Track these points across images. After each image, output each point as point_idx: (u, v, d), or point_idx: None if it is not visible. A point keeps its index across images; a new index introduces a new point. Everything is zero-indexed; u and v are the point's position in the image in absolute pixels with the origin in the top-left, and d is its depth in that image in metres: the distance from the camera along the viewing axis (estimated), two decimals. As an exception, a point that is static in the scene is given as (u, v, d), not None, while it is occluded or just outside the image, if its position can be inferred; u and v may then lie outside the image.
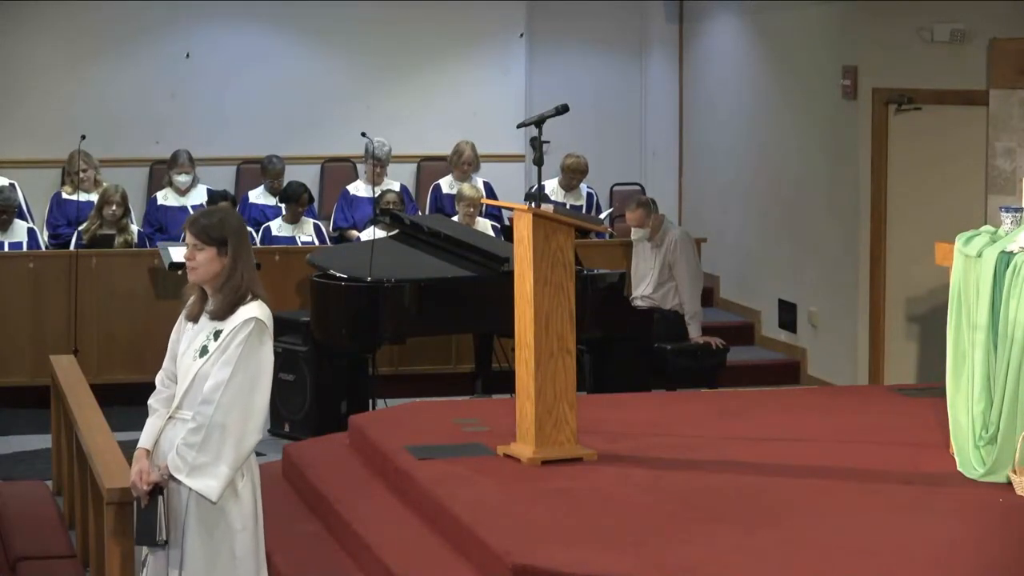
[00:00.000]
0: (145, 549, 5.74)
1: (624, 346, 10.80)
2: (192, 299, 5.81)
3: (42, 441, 10.26)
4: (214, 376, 5.64)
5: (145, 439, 5.80)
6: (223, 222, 5.76)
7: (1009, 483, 7.27)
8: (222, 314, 5.70)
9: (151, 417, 5.82)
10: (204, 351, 5.69)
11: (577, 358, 7.79)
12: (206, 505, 5.66)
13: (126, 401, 10.60)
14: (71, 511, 8.44)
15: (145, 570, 5.79)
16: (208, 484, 5.63)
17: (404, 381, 11.87)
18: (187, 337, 5.78)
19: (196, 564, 5.68)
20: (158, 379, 5.88)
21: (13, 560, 7.74)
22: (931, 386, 9.52)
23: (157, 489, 5.66)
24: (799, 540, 6.60)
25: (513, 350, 8.03)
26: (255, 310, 5.70)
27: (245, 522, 5.75)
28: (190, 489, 5.65)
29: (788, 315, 12.97)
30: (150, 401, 5.85)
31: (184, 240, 5.78)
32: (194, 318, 5.78)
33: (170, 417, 5.75)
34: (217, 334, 5.69)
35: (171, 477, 5.67)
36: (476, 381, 11.64)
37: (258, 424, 5.71)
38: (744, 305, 13.81)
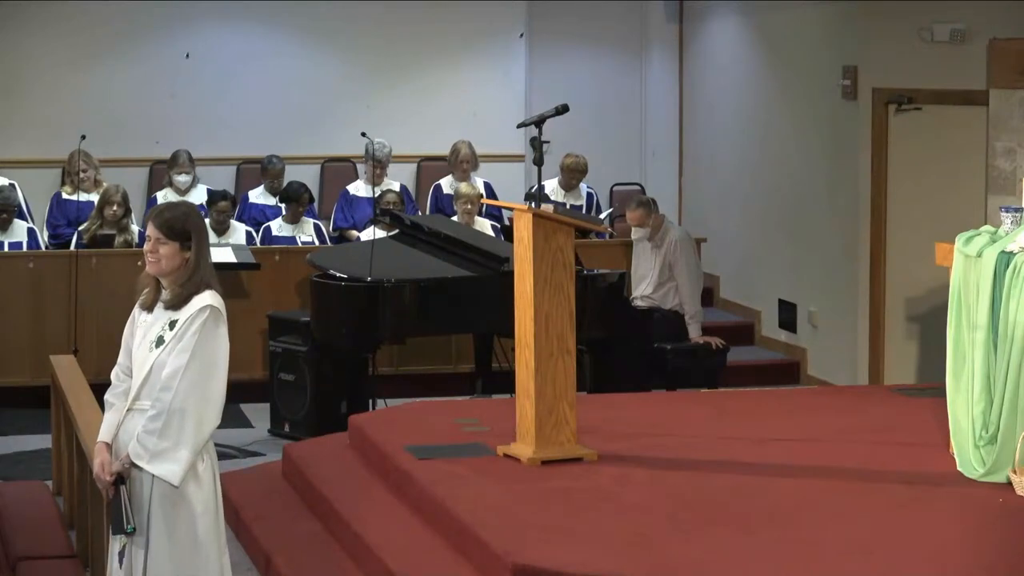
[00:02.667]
0: (122, 539, 5.81)
1: (624, 346, 10.80)
2: (147, 289, 5.90)
3: (42, 441, 10.26)
4: (172, 363, 5.71)
5: (104, 433, 5.88)
6: (187, 217, 5.84)
7: (1009, 483, 7.27)
8: (178, 304, 5.78)
9: (108, 412, 5.90)
10: (160, 341, 5.76)
11: (577, 358, 7.80)
12: (168, 490, 5.74)
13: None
14: (71, 511, 8.44)
15: (124, 560, 5.84)
16: (169, 469, 5.70)
17: (404, 381, 11.86)
18: (142, 330, 5.86)
19: (160, 548, 5.76)
20: (113, 375, 5.95)
21: (13, 560, 7.74)
22: (931, 386, 9.52)
23: (120, 479, 5.76)
24: (799, 540, 6.60)
25: (513, 350, 8.03)
26: (209, 298, 5.78)
27: (206, 505, 5.83)
28: (152, 475, 5.72)
29: (788, 315, 12.97)
30: (107, 396, 5.93)
31: (146, 234, 5.83)
32: (148, 307, 5.86)
33: (128, 409, 5.82)
34: (173, 324, 5.76)
35: (133, 465, 5.74)
36: (476, 381, 11.64)
37: (217, 409, 5.79)
38: (744, 305, 13.81)
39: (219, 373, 5.78)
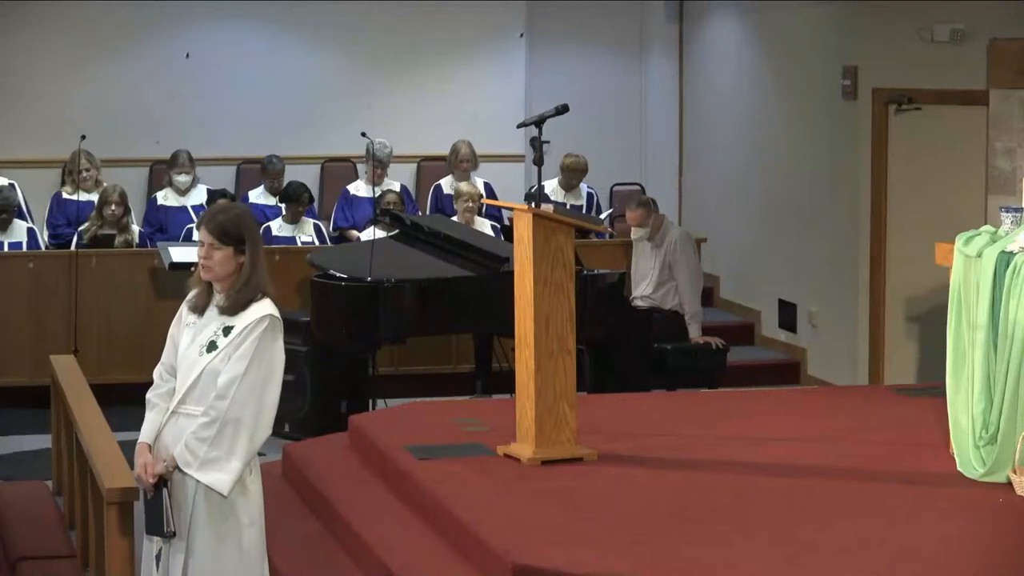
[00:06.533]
0: (158, 541, 5.71)
1: (624, 346, 10.80)
2: (197, 291, 5.75)
3: (42, 441, 10.26)
4: (228, 371, 5.60)
5: (146, 433, 5.74)
6: (240, 220, 5.70)
7: (1009, 483, 7.27)
8: (234, 310, 5.66)
9: (151, 411, 5.76)
10: (212, 346, 5.64)
11: (577, 358, 7.80)
12: (215, 499, 5.63)
13: (126, 401, 10.58)
14: (71, 511, 8.44)
15: (159, 563, 5.74)
16: (219, 478, 5.59)
17: (404, 381, 11.86)
18: (190, 331, 5.72)
19: (203, 558, 5.66)
20: (156, 373, 5.81)
21: (13, 560, 7.74)
22: (931, 386, 9.52)
23: (162, 481, 5.64)
24: (799, 540, 6.60)
25: (513, 350, 8.03)
26: (268, 307, 5.70)
27: (252, 517, 5.74)
28: (198, 482, 5.61)
29: (788, 315, 12.97)
30: (149, 395, 5.79)
31: (199, 238, 5.69)
32: (199, 310, 5.72)
33: (173, 412, 5.70)
34: (227, 330, 5.64)
35: (177, 469, 5.63)
36: (476, 381, 11.64)
37: (269, 420, 5.72)
38: (744, 305, 13.81)
39: (274, 385, 5.70)
